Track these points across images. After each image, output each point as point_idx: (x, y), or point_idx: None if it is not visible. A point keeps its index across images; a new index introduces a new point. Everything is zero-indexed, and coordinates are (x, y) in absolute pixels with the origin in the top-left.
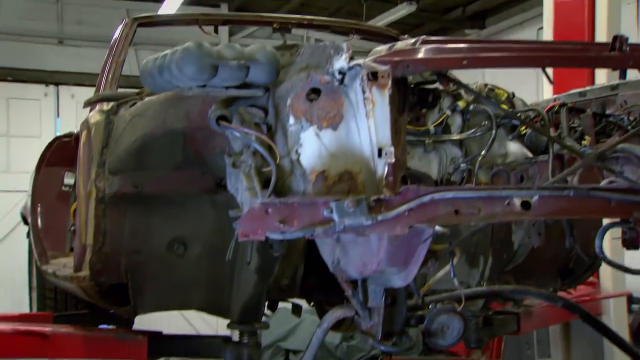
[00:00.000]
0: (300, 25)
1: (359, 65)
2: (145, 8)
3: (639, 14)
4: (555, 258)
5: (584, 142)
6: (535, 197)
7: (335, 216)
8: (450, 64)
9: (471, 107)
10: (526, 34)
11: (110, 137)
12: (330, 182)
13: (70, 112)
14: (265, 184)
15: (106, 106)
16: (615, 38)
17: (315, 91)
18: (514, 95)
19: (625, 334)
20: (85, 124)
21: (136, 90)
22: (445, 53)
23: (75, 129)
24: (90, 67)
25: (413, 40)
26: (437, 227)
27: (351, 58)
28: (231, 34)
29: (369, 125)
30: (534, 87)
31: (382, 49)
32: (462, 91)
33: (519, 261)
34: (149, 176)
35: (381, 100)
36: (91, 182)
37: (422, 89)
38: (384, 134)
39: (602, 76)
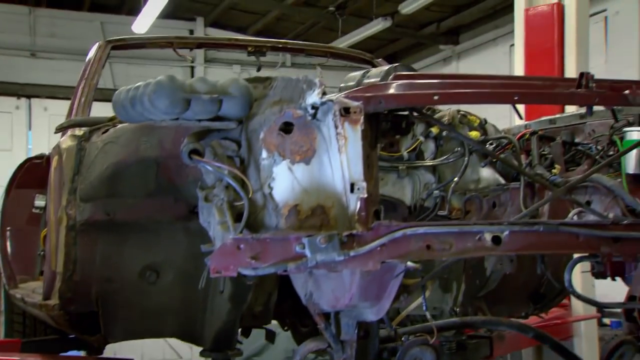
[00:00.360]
0: (274, 48)
1: (332, 100)
2: (119, 21)
3: (607, 31)
4: (527, 283)
5: (554, 171)
6: (506, 232)
7: (307, 252)
8: (422, 100)
9: (444, 133)
10: (499, 50)
11: (82, 164)
12: (303, 216)
13: (42, 125)
14: (237, 217)
15: (78, 131)
16: (581, 75)
17: (288, 125)
18: (486, 121)
19: (595, 357)
20: (57, 149)
21: (108, 116)
22: (417, 89)
23: (47, 142)
24: (63, 80)
25: (387, 67)
26: (409, 263)
27: (324, 93)
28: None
29: (341, 160)
30: (506, 107)
31: (354, 76)
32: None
33: (492, 287)
34: (121, 203)
35: (353, 136)
36: (62, 209)
37: (395, 115)
38: (357, 169)
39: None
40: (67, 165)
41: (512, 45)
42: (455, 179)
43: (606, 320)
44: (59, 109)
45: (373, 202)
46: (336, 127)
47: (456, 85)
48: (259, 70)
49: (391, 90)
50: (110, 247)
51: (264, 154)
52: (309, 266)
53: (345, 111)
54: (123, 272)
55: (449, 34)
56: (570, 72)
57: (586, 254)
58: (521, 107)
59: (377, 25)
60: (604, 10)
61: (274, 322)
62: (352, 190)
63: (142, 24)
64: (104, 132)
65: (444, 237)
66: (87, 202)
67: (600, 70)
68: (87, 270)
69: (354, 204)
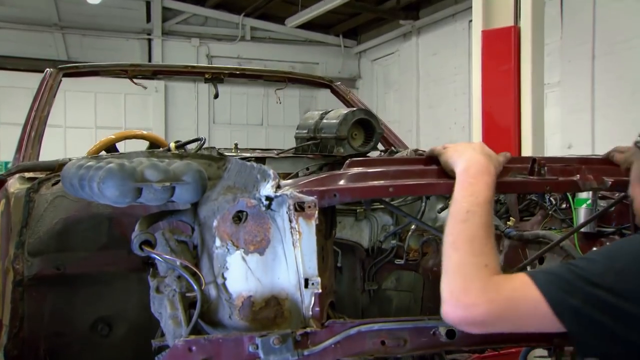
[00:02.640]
0: (232, 75)
1: (286, 194)
2: None
3: (562, 8)
4: None
5: (509, 223)
6: None
7: (260, 353)
8: (377, 193)
9: None
10: (458, 25)
11: (31, 217)
12: (257, 307)
13: None
14: (190, 306)
15: (27, 174)
16: (534, 161)
17: (242, 214)
18: None
19: None
20: (4, 192)
21: (58, 161)
22: (372, 179)
23: None
24: (13, 50)
25: (345, 112)
26: None
27: (278, 187)
28: (165, 19)
29: (295, 254)
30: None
31: (313, 115)
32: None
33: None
34: (72, 257)
35: (308, 231)
36: (9, 260)
37: (353, 157)
38: (311, 265)
39: (528, 146)
40: (16, 215)
41: (471, 21)
42: (413, 226)
43: None
44: (7, 80)
45: (328, 295)
46: (290, 221)
47: (411, 173)
48: (216, 97)
49: (346, 183)
50: (60, 301)
51: (218, 243)
52: None
53: (300, 206)
54: (74, 326)
55: (409, 9)
56: (526, 93)
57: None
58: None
59: (336, 0)
60: None
61: None
62: (306, 286)
63: None
64: (53, 184)
65: (398, 333)
66: (36, 257)
67: (556, 47)
68: (35, 326)
69: (308, 299)
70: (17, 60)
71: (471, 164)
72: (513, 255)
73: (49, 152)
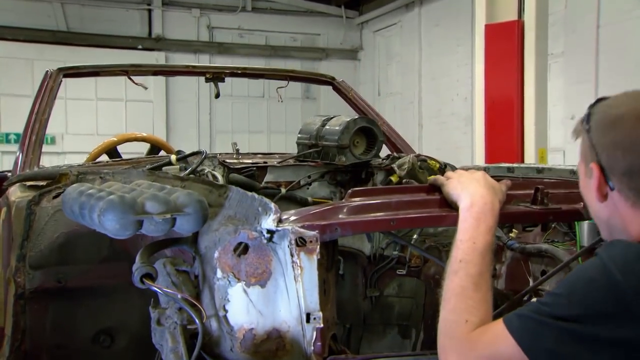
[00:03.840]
0: (233, 74)
1: (287, 229)
2: None
3: None
4: None
5: (511, 235)
6: None
7: None
8: (379, 227)
9: (404, 181)
10: (460, 0)
11: (32, 230)
12: (259, 340)
13: None
14: (193, 336)
15: (29, 183)
16: (537, 190)
17: (243, 246)
18: (445, 165)
19: None
20: (6, 200)
21: (60, 168)
22: (374, 210)
23: None
24: (10, 20)
25: (347, 120)
26: None
27: (279, 221)
28: None
29: (297, 289)
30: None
31: (314, 122)
32: (394, 165)
33: None
34: (74, 270)
35: (309, 266)
36: (10, 271)
37: (355, 165)
38: (312, 299)
39: (531, 153)
40: (17, 226)
41: None
42: (415, 236)
43: None
44: (6, 51)
45: (330, 328)
46: (292, 255)
47: (413, 203)
48: (217, 97)
49: (347, 216)
50: (61, 313)
51: (219, 274)
52: None
53: (301, 241)
54: (75, 338)
55: None
56: (529, 63)
57: None
58: (481, 136)
59: None
60: None
61: None
62: (307, 320)
63: None
64: (54, 197)
65: None
66: (37, 270)
67: (560, 17)
68: (37, 338)
69: (310, 333)
70: (16, 30)
71: (475, 200)
72: (515, 267)
73: (50, 126)
